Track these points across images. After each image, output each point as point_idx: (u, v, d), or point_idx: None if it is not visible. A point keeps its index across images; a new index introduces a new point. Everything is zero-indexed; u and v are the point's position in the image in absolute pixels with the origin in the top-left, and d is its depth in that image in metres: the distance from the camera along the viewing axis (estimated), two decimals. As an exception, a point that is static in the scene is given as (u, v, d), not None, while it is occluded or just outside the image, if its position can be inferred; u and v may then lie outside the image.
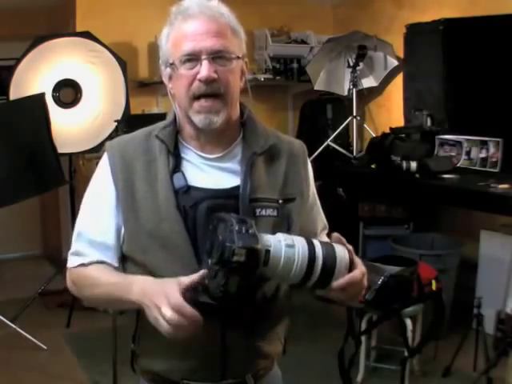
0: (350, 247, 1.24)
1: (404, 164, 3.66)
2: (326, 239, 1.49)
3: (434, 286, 3.01)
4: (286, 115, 5.29)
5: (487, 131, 3.60)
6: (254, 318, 1.33)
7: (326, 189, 4.40)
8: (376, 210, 4.32)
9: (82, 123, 4.08)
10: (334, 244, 1.21)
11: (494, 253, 3.72)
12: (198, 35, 1.27)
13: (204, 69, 1.26)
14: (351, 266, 1.21)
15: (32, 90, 3.88)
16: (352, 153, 4.42)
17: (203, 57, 1.26)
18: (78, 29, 4.28)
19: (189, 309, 1.13)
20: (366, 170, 4.06)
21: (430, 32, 3.99)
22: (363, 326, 3.08)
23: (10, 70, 3.91)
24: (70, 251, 1.40)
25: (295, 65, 4.88)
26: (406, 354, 3.01)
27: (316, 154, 4.40)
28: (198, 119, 1.30)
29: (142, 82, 4.55)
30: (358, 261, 1.23)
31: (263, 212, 1.31)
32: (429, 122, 4.02)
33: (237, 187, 1.31)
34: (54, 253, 5.30)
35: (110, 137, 3.90)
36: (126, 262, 1.36)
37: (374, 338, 3.37)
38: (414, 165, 3.63)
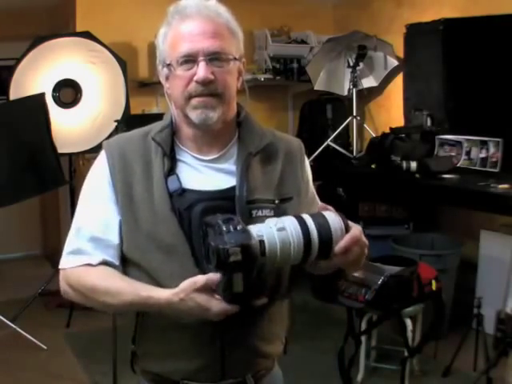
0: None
1: (404, 164, 3.66)
2: None
3: (433, 286, 3.01)
4: (286, 115, 5.29)
5: (487, 131, 3.60)
6: (253, 317, 1.32)
7: (325, 189, 4.41)
8: (376, 209, 4.31)
9: (82, 123, 4.08)
10: (325, 213, 1.20)
11: (494, 253, 3.72)
12: (195, 36, 1.27)
13: (201, 70, 1.26)
14: (347, 230, 1.19)
15: (32, 90, 3.87)
16: (352, 153, 4.42)
17: (200, 58, 1.26)
18: (78, 29, 4.28)
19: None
20: (366, 170, 4.06)
21: (430, 32, 3.98)
22: (363, 326, 3.08)
23: (10, 70, 3.91)
24: (68, 249, 1.34)
25: (295, 65, 4.88)
26: (405, 354, 3.01)
27: (316, 153, 4.40)
28: (194, 115, 1.29)
29: (142, 81, 4.55)
30: (351, 223, 1.22)
31: (260, 213, 1.31)
32: (429, 122, 4.02)
33: (233, 188, 1.31)
34: (54, 253, 5.31)
35: (110, 137, 3.90)
36: (126, 263, 1.35)
37: (374, 338, 3.37)
38: (413, 165, 3.63)
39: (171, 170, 1.32)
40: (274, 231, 1.14)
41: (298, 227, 1.16)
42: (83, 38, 3.99)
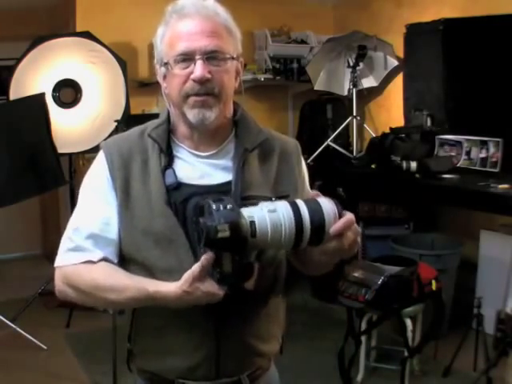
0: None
1: (404, 164, 3.66)
2: None
3: (433, 286, 3.01)
4: (286, 115, 5.29)
5: (487, 131, 3.60)
6: (249, 315, 1.33)
7: (325, 189, 4.41)
8: (376, 210, 4.32)
9: (82, 123, 4.08)
10: (319, 198, 1.19)
11: (494, 253, 3.72)
12: (192, 35, 1.27)
13: (198, 69, 1.26)
14: (340, 216, 1.19)
15: (32, 90, 3.88)
16: (352, 153, 4.42)
17: (197, 57, 1.26)
18: (78, 29, 4.28)
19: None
20: (366, 170, 4.06)
21: (430, 32, 3.99)
22: (363, 326, 3.08)
23: (10, 70, 3.91)
24: (66, 247, 1.34)
25: (295, 65, 4.88)
26: (405, 354, 3.01)
27: (316, 153, 4.40)
28: (191, 114, 1.30)
29: (142, 81, 4.55)
30: (344, 211, 1.22)
31: None
32: (429, 122, 4.02)
33: (228, 182, 1.32)
34: (54, 253, 5.30)
35: (110, 137, 3.90)
36: (124, 261, 1.35)
37: (374, 338, 3.37)
38: (413, 165, 3.63)
39: (168, 165, 1.33)
40: (265, 212, 1.13)
41: (290, 210, 1.14)
42: (83, 38, 3.99)
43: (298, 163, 1.44)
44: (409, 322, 3.02)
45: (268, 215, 1.13)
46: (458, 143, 3.75)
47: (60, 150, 3.91)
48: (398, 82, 4.51)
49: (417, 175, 3.61)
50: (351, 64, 4.41)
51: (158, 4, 5.26)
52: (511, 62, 3.56)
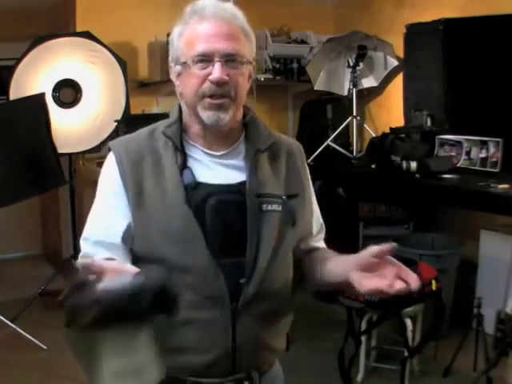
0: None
1: (404, 164, 3.66)
2: (321, 243, 1.55)
3: (433, 286, 3.00)
4: (286, 115, 5.29)
5: (487, 131, 3.60)
6: (265, 312, 1.35)
7: (325, 189, 4.41)
8: (376, 210, 4.32)
9: (82, 123, 4.08)
10: None
11: (494, 253, 3.72)
12: (212, 37, 1.28)
13: (216, 71, 1.28)
14: None
15: (32, 90, 3.87)
16: (352, 153, 4.42)
17: (216, 59, 1.28)
18: (78, 29, 4.28)
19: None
20: (366, 170, 4.06)
21: (430, 32, 3.99)
22: (363, 326, 3.08)
23: (10, 70, 3.91)
24: (80, 254, 1.36)
25: (295, 65, 4.88)
26: (405, 353, 3.01)
27: (316, 153, 4.40)
28: (206, 116, 1.31)
29: (142, 81, 4.55)
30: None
31: (269, 207, 1.34)
32: (429, 122, 4.02)
33: (243, 183, 1.34)
34: (54, 253, 5.30)
35: (110, 137, 3.90)
36: (138, 262, 1.34)
37: (374, 338, 3.37)
38: (413, 165, 3.63)
39: (184, 164, 1.34)
40: None
41: None
42: (83, 38, 3.99)
43: (302, 165, 1.48)
44: (409, 322, 3.02)
45: None
46: (458, 143, 3.75)
47: (60, 150, 3.91)
48: (398, 82, 4.51)
49: (417, 175, 3.61)
50: (351, 64, 4.41)
51: (157, 4, 5.28)
52: (511, 62, 3.56)
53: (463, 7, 3.92)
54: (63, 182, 4.08)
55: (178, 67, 1.33)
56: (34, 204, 5.31)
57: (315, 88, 4.70)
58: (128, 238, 1.34)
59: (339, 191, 4.34)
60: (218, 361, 1.33)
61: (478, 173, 3.56)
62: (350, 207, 4.32)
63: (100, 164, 4.71)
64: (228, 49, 1.28)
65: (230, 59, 1.29)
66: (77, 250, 4.34)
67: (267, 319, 1.36)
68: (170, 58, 1.37)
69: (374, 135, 4.43)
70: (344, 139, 4.65)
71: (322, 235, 1.57)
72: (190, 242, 1.29)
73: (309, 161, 4.42)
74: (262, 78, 4.65)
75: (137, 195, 1.32)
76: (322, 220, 1.56)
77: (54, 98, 3.98)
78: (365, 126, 4.66)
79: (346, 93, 4.57)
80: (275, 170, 1.39)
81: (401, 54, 4.40)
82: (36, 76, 3.91)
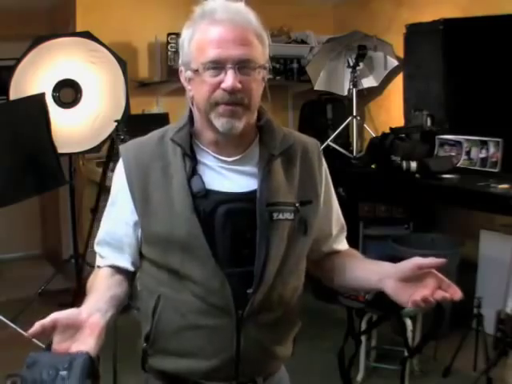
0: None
1: (404, 164, 3.65)
2: (344, 243, 1.53)
3: (433, 286, 3.00)
4: (286, 115, 5.29)
5: (487, 131, 3.60)
6: (270, 321, 1.34)
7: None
8: (376, 210, 4.31)
9: (82, 123, 4.08)
10: None
11: (494, 253, 3.72)
12: (224, 42, 1.24)
13: (229, 78, 1.24)
14: None
15: (32, 90, 3.87)
16: (352, 153, 4.42)
17: (228, 66, 1.24)
18: (78, 29, 4.28)
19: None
20: (366, 170, 4.06)
21: (430, 32, 3.98)
22: (363, 326, 3.08)
23: (10, 70, 3.90)
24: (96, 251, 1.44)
25: (295, 65, 4.88)
26: (405, 353, 3.01)
27: (316, 153, 4.39)
28: (219, 123, 1.28)
29: (142, 81, 4.55)
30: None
31: (280, 216, 1.31)
32: (429, 122, 4.02)
33: (254, 191, 1.31)
34: (54, 253, 5.30)
35: (111, 137, 3.90)
36: (145, 261, 1.38)
37: (374, 338, 3.37)
38: (413, 165, 3.63)
39: (193, 171, 1.31)
40: None
41: None
42: (83, 38, 3.98)
43: (319, 163, 1.43)
44: (409, 322, 3.02)
45: None
46: (458, 143, 3.75)
47: (60, 150, 3.91)
48: (398, 81, 4.51)
49: (417, 175, 3.61)
50: (351, 64, 4.41)
51: (157, 4, 5.27)
52: (511, 62, 3.56)
53: (463, 7, 3.92)
54: (63, 181, 4.07)
55: (189, 73, 1.29)
56: (34, 204, 5.30)
57: (315, 88, 4.70)
58: (136, 243, 1.37)
59: (339, 191, 4.34)
60: (222, 366, 1.33)
61: (477, 173, 3.56)
62: (350, 207, 4.30)
63: (100, 164, 4.70)
64: (241, 55, 1.24)
65: (243, 66, 1.25)
66: (77, 249, 4.34)
67: (273, 327, 1.35)
68: (180, 61, 1.33)
69: (373, 135, 4.43)
70: (344, 139, 4.65)
71: (343, 235, 1.55)
72: (196, 252, 1.28)
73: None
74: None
75: (143, 202, 1.31)
76: (342, 219, 1.53)
77: (54, 97, 3.98)
78: (365, 126, 4.66)
79: (346, 93, 4.57)
80: (289, 176, 1.36)
81: (401, 54, 4.40)
82: (36, 76, 3.91)
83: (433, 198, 3.65)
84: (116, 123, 3.76)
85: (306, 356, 3.38)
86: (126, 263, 1.37)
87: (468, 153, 3.71)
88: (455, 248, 3.79)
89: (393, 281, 1.28)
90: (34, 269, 5.07)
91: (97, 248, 1.41)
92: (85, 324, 1.16)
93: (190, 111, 1.37)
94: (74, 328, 1.18)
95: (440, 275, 1.23)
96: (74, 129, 4.07)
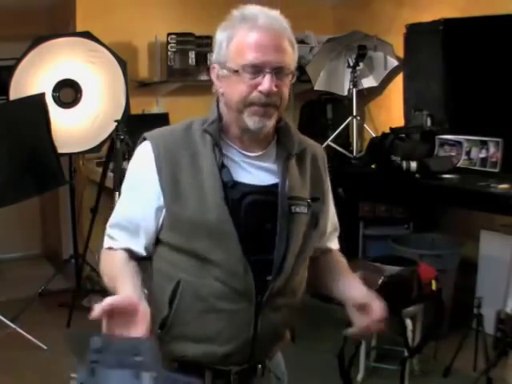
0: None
1: (404, 164, 3.66)
2: (335, 242, 1.65)
3: (433, 286, 3.01)
4: (286, 115, 5.28)
5: (487, 131, 3.60)
6: (284, 305, 1.43)
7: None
8: (376, 210, 4.32)
9: (82, 123, 4.08)
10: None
11: (494, 253, 3.72)
12: (263, 47, 1.32)
13: (267, 82, 1.33)
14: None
15: (32, 90, 3.87)
16: (352, 153, 4.42)
17: (267, 70, 1.33)
18: (78, 29, 4.28)
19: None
20: (366, 170, 4.06)
21: (430, 32, 3.99)
22: (363, 326, 3.08)
23: (10, 70, 3.90)
24: (106, 234, 1.46)
25: (295, 65, 4.87)
26: (405, 353, 3.01)
27: (316, 154, 4.39)
28: (251, 121, 1.36)
29: (142, 81, 4.55)
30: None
31: (297, 209, 1.42)
32: (429, 122, 4.02)
33: (275, 185, 1.41)
34: (54, 253, 5.30)
35: (110, 137, 3.90)
36: (163, 246, 1.42)
37: (374, 338, 3.37)
38: (413, 165, 3.63)
39: (222, 162, 1.39)
40: None
41: None
42: (83, 38, 3.99)
43: (324, 167, 1.56)
44: (409, 322, 3.02)
45: None
46: (458, 143, 3.75)
47: (60, 150, 3.91)
48: (398, 81, 4.51)
49: (417, 175, 3.61)
50: (351, 64, 4.41)
51: (158, 4, 5.27)
52: (511, 62, 3.56)
53: (463, 7, 3.92)
54: (63, 181, 4.08)
55: (225, 71, 1.37)
56: (34, 204, 5.31)
57: (315, 88, 4.70)
58: (149, 228, 1.40)
59: (339, 191, 4.34)
60: (237, 350, 1.39)
61: (477, 173, 3.57)
62: (350, 207, 4.31)
63: (100, 164, 4.70)
64: (278, 61, 1.34)
65: (279, 71, 1.35)
66: (77, 250, 4.34)
67: (284, 312, 1.44)
68: (214, 59, 1.40)
69: (374, 135, 4.43)
70: (344, 139, 4.65)
71: (335, 234, 1.65)
72: (224, 237, 1.35)
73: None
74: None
75: (172, 186, 1.37)
76: (337, 219, 1.63)
77: (53, 98, 3.98)
78: (365, 126, 4.66)
79: (346, 93, 4.57)
80: (302, 174, 1.47)
81: (401, 54, 4.40)
82: (36, 76, 3.91)
83: (433, 197, 3.65)
84: (116, 123, 3.76)
85: (306, 356, 3.39)
86: (140, 248, 1.41)
87: (468, 153, 3.71)
88: (455, 248, 3.79)
89: (352, 304, 1.48)
90: (34, 269, 5.07)
91: (110, 230, 1.44)
92: (137, 310, 1.18)
93: (218, 107, 1.44)
94: (127, 313, 1.17)
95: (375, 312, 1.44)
96: (74, 129, 4.07)
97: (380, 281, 2.81)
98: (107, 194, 3.81)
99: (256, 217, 1.39)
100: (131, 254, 1.41)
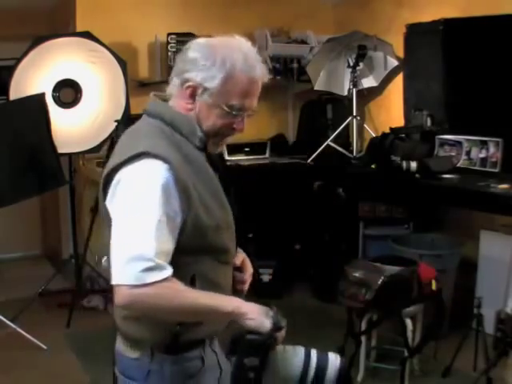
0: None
1: (404, 164, 3.65)
2: None
3: (433, 286, 3.01)
4: (286, 115, 5.29)
5: (487, 131, 3.60)
6: None
7: (325, 189, 4.41)
8: (376, 210, 4.31)
9: (82, 123, 4.08)
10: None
11: (494, 253, 3.72)
12: (251, 95, 1.42)
13: (242, 123, 1.45)
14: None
15: (32, 90, 3.87)
16: (352, 153, 4.42)
17: (246, 113, 1.44)
18: (78, 29, 4.28)
19: None
20: (366, 170, 4.06)
21: (430, 32, 3.98)
22: (363, 326, 3.08)
23: (10, 70, 3.90)
24: (146, 265, 1.29)
25: (295, 65, 4.87)
26: (405, 353, 3.01)
27: (316, 153, 4.40)
28: (213, 147, 1.48)
29: (141, 81, 4.55)
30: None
31: None
32: (429, 122, 4.02)
33: None
34: (54, 253, 5.30)
35: (110, 137, 3.90)
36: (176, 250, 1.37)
37: (374, 338, 3.37)
38: (413, 165, 3.63)
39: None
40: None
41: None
42: (83, 38, 3.99)
43: None
44: (409, 322, 3.02)
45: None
46: (458, 143, 3.75)
47: (60, 150, 3.91)
48: (398, 81, 4.51)
49: (417, 175, 3.61)
50: (351, 64, 4.41)
51: (157, 4, 5.25)
52: (511, 62, 3.56)
53: (463, 7, 3.92)
54: (63, 181, 4.08)
55: (207, 98, 1.40)
56: (34, 204, 5.31)
57: (315, 88, 4.70)
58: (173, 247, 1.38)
59: (339, 191, 4.34)
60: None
61: (477, 173, 3.56)
62: (350, 207, 4.32)
63: (100, 164, 4.69)
64: (255, 106, 1.46)
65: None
66: (77, 250, 4.34)
67: None
68: (197, 79, 1.39)
69: (374, 135, 4.43)
70: (344, 139, 4.65)
71: None
72: (230, 228, 1.50)
73: (309, 161, 4.42)
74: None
75: (186, 197, 1.35)
76: None
77: (54, 98, 3.98)
78: (365, 126, 4.66)
79: (346, 93, 4.57)
80: None
81: (401, 54, 4.40)
82: (36, 76, 3.91)
83: (433, 198, 3.65)
84: (116, 123, 3.76)
85: (306, 356, 3.39)
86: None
87: (468, 153, 3.71)
88: (455, 248, 3.79)
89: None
90: (34, 269, 5.07)
91: (158, 260, 1.30)
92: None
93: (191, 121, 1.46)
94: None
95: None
96: (74, 129, 4.07)
97: (380, 281, 2.81)
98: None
99: None
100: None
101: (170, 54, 4.40)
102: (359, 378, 3.22)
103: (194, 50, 1.41)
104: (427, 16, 4.07)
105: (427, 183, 3.53)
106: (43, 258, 5.53)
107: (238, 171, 4.39)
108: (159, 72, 4.55)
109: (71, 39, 4.02)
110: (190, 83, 1.40)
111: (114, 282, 1.31)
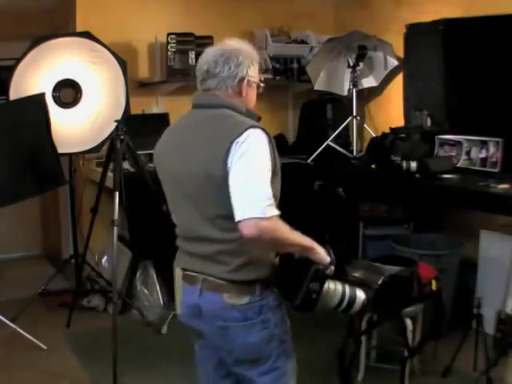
0: None
1: (404, 164, 3.65)
2: None
3: (433, 286, 3.00)
4: (286, 115, 5.29)
5: (487, 131, 3.60)
6: None
7: (325, 189, 4.41)
8: (376, 210, 4.31)
9: (82, 123, 4.08)
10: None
11: (494, 253, 3.72)
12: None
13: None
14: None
15: (32, 90, 3.87)
16: (352, 153, 4.42)
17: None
18: (78, 29, 4.28)
19: None
20: (366, 170, 4.06)
21: (430, 32, 3.98)
22: (363, 325, 3.08)
23: (10, 70, 3.90)
24: (267, 203, 1.68)
25: (295, 65, 4.88)
26: (405, 353, 3.01)
27: (316, 153, 4.40)
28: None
29: (141, 81, 4.55)
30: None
31: None
32: (429, 122, 4.02)
33: None
34: (54, 253, 5.30)
35: (110, 137, 3.90)
36: None
37: (374, 338, 3.37)
38: (413, 165, 3.63)
39: None
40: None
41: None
42: (83, 38, 3.98)
43: None
44: (409, 322, 3.02)
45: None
46: (458, 143, 3.75)
47: (60, 150, 3.91)
48: (398, 81, 4.51)
49: (417, 175, 3.61)
50: (351, 64, 4.41)
51: (157, 4, 5.24)
52: (511, 62, 3.56)
53: (463, 7, 3.92)
54: (63, 181, 4.07)
55: (252, 83, 1.92)
56: (34, 204, 5.31)
57: (315, 88, 4.70)
58: None
59: (339, 191, 4.34)
60: None
61: (477, 173, 3.56)
62: (350, 207, 4.31)
63: (100, 164, 4.68)
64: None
65: None
66: (77, 250, 4.34)
67: None
68: (250, 73, 1.89)
69: (373, 135, 4.43)
70: (344, 139, 4.66)
71: None
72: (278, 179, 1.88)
73: (309, 161, 4.42)
74: (262, 77, 4.65)
75: (274, 153, 1.78)
76: None
77: (54, 97, 3.98)
78: (365, 126, 4.67)
79: (346, 93, 4.57)
80: None
81: (401, 54, 4.40)
82: (36, 76, 3.91)
83: (433, 197, 3.65)
84: (116, 123, 3.76)
85: (306, 356, 3.38)
86: None
87: (468, 153, 3.70)
88: (455, 248, 3.79)
89: None
90: (34, 269, 5.07)
91: (272, 200, 1.69)
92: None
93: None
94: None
95: None
96: (74, 129, 4.07)
97: (380, 281, 2.81)
98: (107, 194, 3.81)
99: None
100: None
101: (169, 54, 4.40)
102: (359, 377, 3.22)
103: (233, 56, 1.85)
104: (427, 16, 4.08)
105: (427, 183, 3.53)
106: (43, 257, 5.53)
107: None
108: (159, 72, 4.55)
109: (71, 39, 4.02)
110: (248, 77, 1.89)
111: (241, 217, 1.66)
